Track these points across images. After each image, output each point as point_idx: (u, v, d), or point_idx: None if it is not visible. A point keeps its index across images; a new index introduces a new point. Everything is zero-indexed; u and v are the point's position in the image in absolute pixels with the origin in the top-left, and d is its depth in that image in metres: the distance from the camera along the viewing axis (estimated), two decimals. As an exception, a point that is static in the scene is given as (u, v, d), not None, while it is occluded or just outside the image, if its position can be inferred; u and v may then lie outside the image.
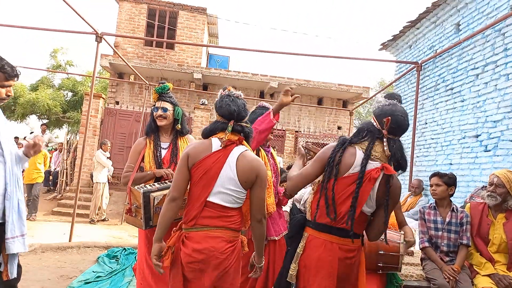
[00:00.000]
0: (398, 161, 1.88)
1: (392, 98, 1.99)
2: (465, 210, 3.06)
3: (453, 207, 3.06)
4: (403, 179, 6.77)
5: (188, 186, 1.95)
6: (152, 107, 2.77)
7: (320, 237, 1.90)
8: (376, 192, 1.86)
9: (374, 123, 1.94)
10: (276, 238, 2.74)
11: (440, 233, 3.04)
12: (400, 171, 1.92)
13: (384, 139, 1.88)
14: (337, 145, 1.94)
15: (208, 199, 1.88)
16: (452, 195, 3.10)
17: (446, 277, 2.79)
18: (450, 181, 3.07)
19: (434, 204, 3.14)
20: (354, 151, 1.90)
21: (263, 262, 2.06)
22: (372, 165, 1.85)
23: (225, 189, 1.88)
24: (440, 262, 2.94)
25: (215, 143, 1.93)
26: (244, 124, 1.98)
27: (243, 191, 1.92)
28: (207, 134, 1.99)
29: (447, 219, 3.02)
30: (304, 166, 2.15)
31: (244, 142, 1.98)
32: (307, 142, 2.54)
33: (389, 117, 1.86)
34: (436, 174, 3.14)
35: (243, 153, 1.92)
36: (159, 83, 2.84)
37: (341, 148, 1.91)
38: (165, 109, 2.70)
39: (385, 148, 1.87)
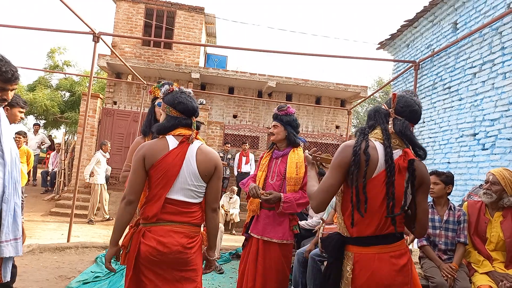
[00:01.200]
0: (413, 145, 1.70)
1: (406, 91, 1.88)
2: (462, 209, 3.08)
3: (451, 206, 3.07)
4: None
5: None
6: (157, 103, 2.78)
7: (369, 252, 1.65)
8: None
9: (382, 106, 1.79)
10: (263, 238, 2.76)
11: (437, 231, 3.05)
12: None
13: (390, 119, 1.72)
14: (357, 139, 1.70)
15: (168, 196, 1.88)
16: (449, 193, 3.12)
17: (444, 275, 2.81)
18: (447, 179, 3.08)
19: (432, 203, 3.15)
20: (374, 144, 1.68)
21: (215, 256, 2.11)
22: (396, 154, 1.68)
23: (187, 185, 1.91)
24: (438, 260, 2.96)
25: (171, 141, 1.94)
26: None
27: (203, 184, 1.97)
28: (166, 130, 1.98)
29: (445, 218, 3.04)
30: (318, 176, 2.02)
31: (198, 136, 2.05)
32: (316, 151, 2.46)
33: (395, 94, 1.73)
34: (433, 173, 3.15)
35: (200, 147, 1.98)
36: (158, 82, 2.86)
37: (363, 141, 1.67)
38: None
39: (389, 126, 1.70)
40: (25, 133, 4.77)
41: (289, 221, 2.79)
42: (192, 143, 1.96)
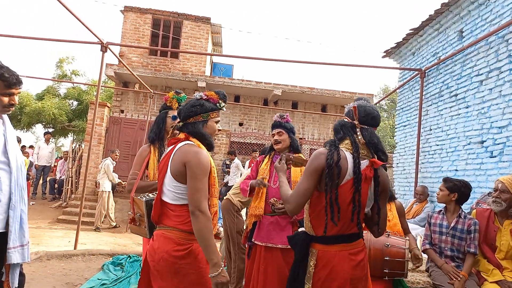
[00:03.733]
0: (377, 150, 1.85)
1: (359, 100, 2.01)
2: (473, 218, 3.03)
3: (460, 213, 3.04)
4: (408, 185, 6.74)
5: None
6: (172, 116, 2.83)
7: (331, 250, 1.83)
8: (372, 189, 1.84)
9: (345, 119, 1.94)
10: (268, 245, 2.74)
11: (444, 237, 3.03)
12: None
13: (357, 129, 1.87)
14: (330, 150, 1.83)
15: (161, 198, 1.92)
16: (456, 201, 3.07)
17: (448, 277, 2.79)
18: (453, 187, 3.05)
19: (444, 210, 3.15)
20: (344, 155, 1.83)
21: (218, 272, 1.73)
22: (363, 164, 1.82)
23: (168, 186, 1.90)
24: (439, 261, 2.95)
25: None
26: (190, 122, 1.96)
27: (179, 185, 1.86)
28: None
29: (452, 224, 3.01)
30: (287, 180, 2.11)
31: (192, 138, 1.94)
32: (288, 156, 2.51)
33: (355, 106, 1.88)
34: (443, 179, 3.16)
35: (180, 147, 1.91)
36: (175, 91, 2.89)
37: (334, 152, 1.81)
38: (174, 117, 2.83)
39: (359, 137, 1.84)
40: (19, 139, 4.79)
41: (291, 226, 2.77)
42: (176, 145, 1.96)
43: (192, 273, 1.80)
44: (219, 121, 2.07)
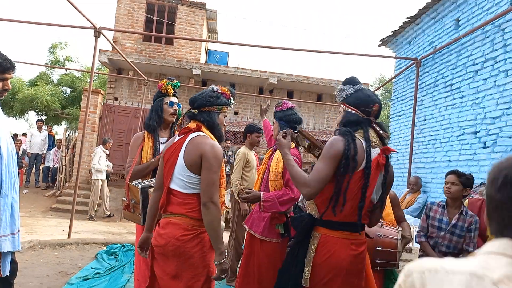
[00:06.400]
0: (383, 141, 1.92)
1: (354, 82, 1.97)
2: (475, 215, 2.94)
3: (462, 210, 2.94)
4: (401, 176, 6.78)
5: None
6: (169, 102, 2.80)
7: (335, 235, 1.83)
8: (382, 177, 1.85)
9: (358, 113, 1.89)
10: (250, 231, 2.77)
11: (442, 233, 2.95)
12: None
13: (374, 125, 1.91)
14: (346, 137, 1.80)
15: (170, 186, 1.96)
16: (466, 196, 2.98)
17: None
18: (467, 182, 2.95)
19: (445, 203, 3.04)
20: (360, 143, 1.81)
21: (223, 260, 1.86)
22: (375, 152, 1.83)
23: (179, 175, 1.93)
24: (433, 254, 2.92)
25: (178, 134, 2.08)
26: (204, 111, 2.03)
27: (192, 175, 1.90)
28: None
29: (453, 221, 2.92)
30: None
31: (204, 129, 2.00)
32: (301, 129, 2.36)
33: (377, 104, 1.89)
34: (453, 172, 3.01)
35: (193, 138, 1.95)
36: (167, 78, 2.86)
37: (351, 139, 1.79)
38: (179, 105, 2.82)
39: (381, 132, 1.88)
40: None
41: (270, 218, 2.69)
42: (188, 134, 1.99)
43: (196, 256, 1.88)
44: (226, 116, 2.18)
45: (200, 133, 1.97)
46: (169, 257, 1.88)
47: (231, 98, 2.14)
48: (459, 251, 2.92)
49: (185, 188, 1.92)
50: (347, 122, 1.91)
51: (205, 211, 1.85)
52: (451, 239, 2.92)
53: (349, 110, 1.91)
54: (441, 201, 3.13)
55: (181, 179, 1.92)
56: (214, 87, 2.11)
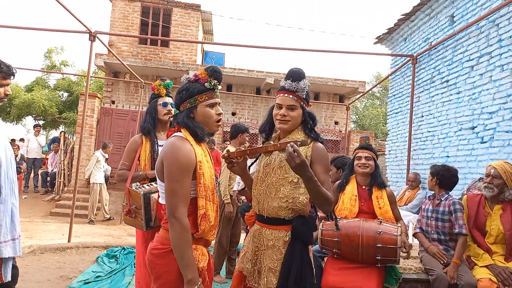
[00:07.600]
0: None
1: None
2: (454, 198, 3.06)
3: (440, 196, 3.12)
4: (400, 172, 6.80)
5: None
6: (162, 103, 2.77)
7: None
8: None
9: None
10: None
11: (429, 221, 3.15)
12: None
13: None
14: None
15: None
16: (439, 185, 3.13)
17: (436, 258, 2.89)
18: (434, 172, 3.17)
19: (432, 195, 3.26)
20: None
21: (188, 277, 1.52)
22: None
23: (158, 183, 1.74)
24: (426, 243, 3.06)
25: None
26: (181, 110, 1.71)
27: (162, 184, 1.67)
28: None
29: (434, 207, 3.12)
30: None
31: (184, 130, 1.67)
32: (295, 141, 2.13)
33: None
34: (430, 167, 3.30)
35: (167, 141, 1.67)
36: (160, 79, 2.85)
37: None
38: (173, 105, 2.77)
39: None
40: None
41: None
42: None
43: (165, 277, 1.59)
44: (216, 103, 1.73)
45: (176, 134, 1.68)
46: (150, 271, 1.70)
47: (210, 79, 1.70)
48: (450, 236, 3.01)
49: (162, 199, 1.71)
50: (313, 120, 2.03)
51: (169, 227, 1.56)
52: (437, 225, 3.07)
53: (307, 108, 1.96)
54: (431, 195, 3.31)
55: (159, 189, 1.74)
56: (186, 76, 1.75)
